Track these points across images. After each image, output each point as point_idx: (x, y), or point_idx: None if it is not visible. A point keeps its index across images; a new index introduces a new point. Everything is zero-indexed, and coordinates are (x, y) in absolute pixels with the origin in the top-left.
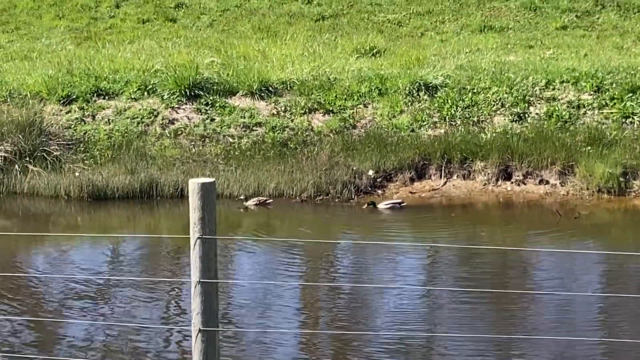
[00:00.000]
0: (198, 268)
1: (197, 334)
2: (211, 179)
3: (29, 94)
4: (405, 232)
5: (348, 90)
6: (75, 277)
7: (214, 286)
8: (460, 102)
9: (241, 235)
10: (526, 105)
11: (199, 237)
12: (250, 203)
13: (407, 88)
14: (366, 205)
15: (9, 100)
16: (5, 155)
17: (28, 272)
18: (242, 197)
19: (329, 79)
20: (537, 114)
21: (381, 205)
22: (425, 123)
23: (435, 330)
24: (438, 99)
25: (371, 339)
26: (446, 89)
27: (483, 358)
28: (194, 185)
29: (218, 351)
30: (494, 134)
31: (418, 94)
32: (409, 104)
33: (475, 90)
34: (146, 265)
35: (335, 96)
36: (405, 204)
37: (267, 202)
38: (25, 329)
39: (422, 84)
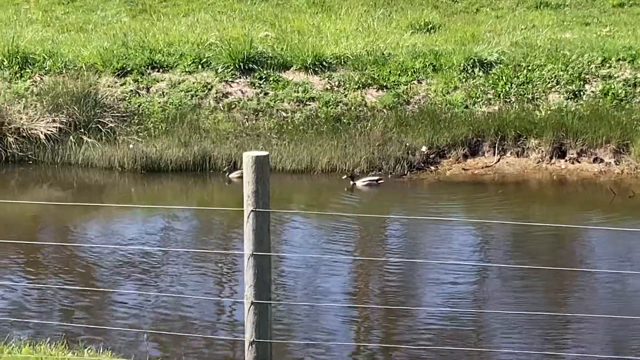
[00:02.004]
0: (251, 241)
1: (250, 307)
2: (265, 153)
3: (84, 66)
4: (458, 208)
5: (402, 66)
6: (127, 247)
7: (266, 259)
8: (515, 79)
9: (295, 208)
10: (581, 83)
11: (252, 210)
12: (360, 183)
13: (462, 64)
14: (345, 177)
15: (64, 71)
16: (61, 126)
17: (82, 242)
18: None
19: (383, 54)
20: (592, 91)
21: (359, 182)
22: (479, 100)
23: (485, 307)
24: (493, 75)
25: (420, 314)
26: (501, 65)
27: (533, 336)
28: (248, 158)
29: (270, 324)
30: (549, 112)
31: (472, 71)
32: (463, 80)
33: (530, 67)
34: (198, 237)
35: (389, 72)
36: (382, 181)
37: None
38: (78, 298)
39: (476, 60)
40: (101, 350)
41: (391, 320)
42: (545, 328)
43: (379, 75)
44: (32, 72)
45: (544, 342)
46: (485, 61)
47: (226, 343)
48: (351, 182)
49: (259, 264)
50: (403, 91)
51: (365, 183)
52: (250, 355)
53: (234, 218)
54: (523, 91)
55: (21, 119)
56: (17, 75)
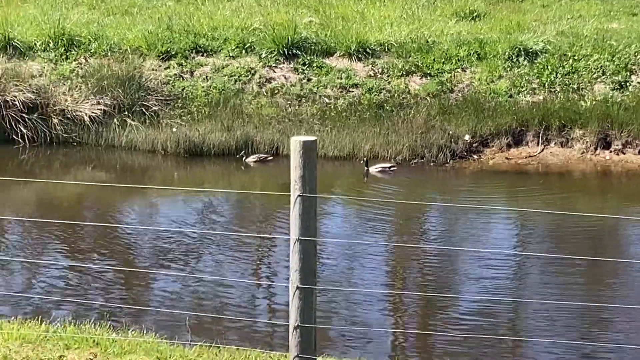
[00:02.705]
0: (297, 226)
1: (295, 291)
2: (313, 137)
3: (128, 49)
4: (499, 197)
5: (446, 54)
6: (169, 230)
7: (312, 244)
8: (561, 68)
9: (337, 194)
10: (628, 73)
11: (299, 195)
12: (374, 169)
13: (507, 53)
14: (361, 161)
15: (109, 54)
16: (105, 108)
17: (124, 223)
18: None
19: (427, 41)
20: (638, 82)
21: (372, 169)
22: (524, 89)
23: (522, 296)
24: (538, 65)
25: (457, 302)
26: (546, 55)
27: (571, 325)
28: (295, 143)
29: (315, 308)
30: (594, 102)
31: (517, 60)
32: (508, 69)
33: (576, 57)
34: (240, 221)
35: (434, 59)
36: (395, 168)
37: (392, 168)
38: (120, 278)
39: (522, 49)
40: (145, 332)
41: (428, 307)
42: (582, 318)
43: (422, 62)
44: (77, 54)
45: (582, 332)
46: (531, 50)
47: (267, 327)
48: (365, 168)
49: (305, 249)
50: (447, 79)
51: (378, 170)
52: (294, 340)
53: (277, 202)
54: (568, 81)
55: (66, 100)
56: (63, 57)
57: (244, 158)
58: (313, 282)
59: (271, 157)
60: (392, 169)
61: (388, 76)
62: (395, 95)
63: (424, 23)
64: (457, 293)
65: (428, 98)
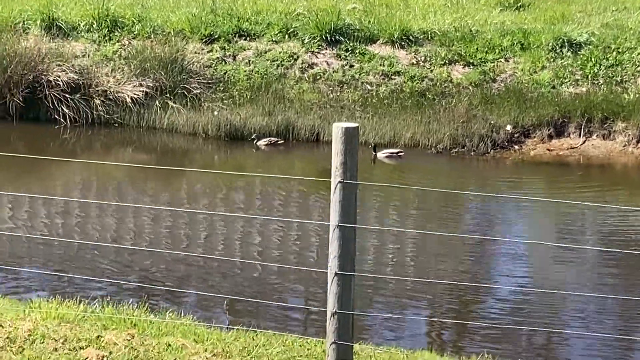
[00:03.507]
0: (337, 212)
1: (333, 278)
2: (355, 124)
3: (172, 32)
4: (539, 188)
5: (490, 43)
6: (207, 212)
7: (352, 230)
8: (604, 60)
9: (380, 181)
10: None
11: (340, 182)
12: (381, 154)
13: (550, 44)
14: (369, 146)
15: (152, 36)
16: (147, 90)
17: (163, 204)
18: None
19: (470, 30)
20: None
21: (380, 154)
22: (567, 80)
23: (560, 288)
24: (581, 56)
25: (494, 292)
26: (590, 46)
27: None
28: (337, 129)
29: (353, 295)
30: (637, 95)
31: (561, 51)
32: (551, 60)
33: (620, 50)
34: (278, 206)
35: (477, 49)
36: (403, 154)
37: (399, 154)
38: (155, 260)
39: (565, 40)
40: (182, 314)
41: (464, 296)
42: (620, 312)
43: (465, 51)
44: (120, 35)
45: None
46: (575, 41)
47: (303, 313)
48: (373, 154)
49: (345, 235)
50: (489, 69)
51: (385, 155)
52: (331, 326)
53: (317, 188)
54: (612, 73)
55: (108, 81)
56: (106, 38)
57: (255, 141)
58: (352, 268)
59: (282, 141)
60: (399, 154)
61: (431, 64)
62: (438, 83)
63: (468, 12)
64: (494, 283)
65: (470, 87)
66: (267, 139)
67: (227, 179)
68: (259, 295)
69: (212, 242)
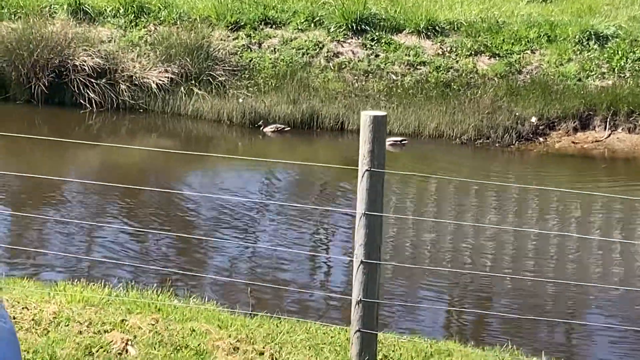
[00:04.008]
0: (364, 200)
1: (359, 266)
2: (383, 113)
3: (198, 18)
4: (563, 180)
5: (516, 35)
6: (230, 199)
7: (378, 219)
8: (631, 54)
9: (405, 170)
10: None
11: (367, 170)
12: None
13: (577, 36)
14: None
15: (178, 22)
16: (172, 76)
17: (184, 190)
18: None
19: (497, 22)
20: None
21: (267, 129)
22: (593, 73)
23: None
24: (608, 49)
25: (520, 283)
26: (617, 39)
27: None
28: (365, 117)
29: (378, 284)
30: None
31: (588, 43)
32: (578, 52)
33: None
34: (302, 193)
35: (503, 40)
36: (407, 142)
37: (403, 142)
38: (178, 245)
39: (592, 33)
40: (206, 300)
41: (488, 287)
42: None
43: (492, 43)
44: (146, 21)
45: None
46: (602, 34)
47: (326, 300)
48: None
49: (371, 224)
50: (515, 60)
51: (390, 143)
52: (356, 314)
53: (341, 176)
54: (638, 67)
55: (134, 67)
56: (132, 23)
57: (261, 128)
58: (377, 257)
59: (288, 128)
60: (403, 142)
61: (456, 55)
62: (463, 74)
63: (495, 3)
64: (519, 274)
65: (496, 79)
66: (274, 125)
67: (250, 165)
68: (281, 281)
69: (233, 228)
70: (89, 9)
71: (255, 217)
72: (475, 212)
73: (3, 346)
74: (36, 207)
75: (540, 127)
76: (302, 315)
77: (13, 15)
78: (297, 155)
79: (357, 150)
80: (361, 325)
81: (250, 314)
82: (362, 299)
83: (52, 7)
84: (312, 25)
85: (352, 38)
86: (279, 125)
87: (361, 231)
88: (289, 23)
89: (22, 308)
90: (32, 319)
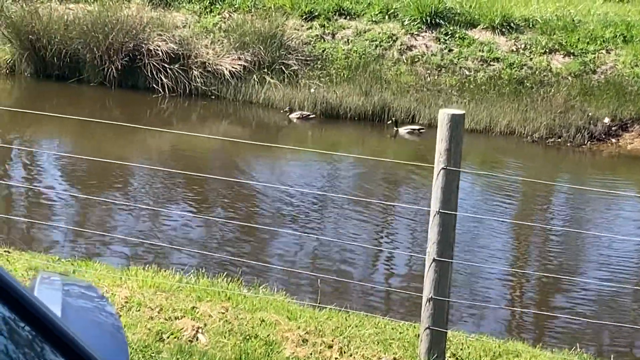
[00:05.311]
0: (439, 198)
1: (431, 263)
2: (461, 111)
3: (272, 7)
4: (633, 183)
5: (591, 34)
6: (300, 191)
7: (452, 217)
8: None
9: (481, 169)
10: None
11: (443, 168)
12: (403, 130)
13: None
14: (388, 122)
15: (253, 10)
16: (245, 64)
17: (251, 179)
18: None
19: (573, 20)
20: None
21: (402, 130)
22: None
23: None
24: None
25: (577, 285)
26: None
27: None
28: (443, 115)
29: (450, 282)
30: None
31: None
32: None
33: None
34: (370, 187)
35: (578, 39)
36: (424, 130)
37: (421, 130)
38: (238, 234)
39: None
40: (275, 290)
41: (555, 288)
42: None
43: (566, 41)
44: (221, 8)
45: None
46: None
47: (394, 295)
48: (394, 129)
49: (445, 222)
50: (590, 60)
51: (407, 131)
52: (427, 312)
53: (409, 172)
54: None
55: (207, 53)
56: (207, 10)
57: (287, 114)
58: (450, 255)
59: (313, 115)
60: (420, 130)
61: (530, 52)
62: (537, 72)
63: (571, 1)
64: (587, 277)
65: (569, 77)
66: (299, 112)
67: (320, 157)
68: (346, 274)
69: (302, 220)
70: None
71: (322, 209)
72: (543, 212)
73: (111, 342)
74: (103, 190)
75: (613, 128)
76: (367, 309)
77: None
78: (368, 147)
79: (428, 144)
80: (431, 323)
81: (318, 305)
82: (433, 297)
83: None
84: (387, 17)
85: (426, 32)
86: (304, 113)
87: (434, 229)
88: (363, 14)
89: None
90: None
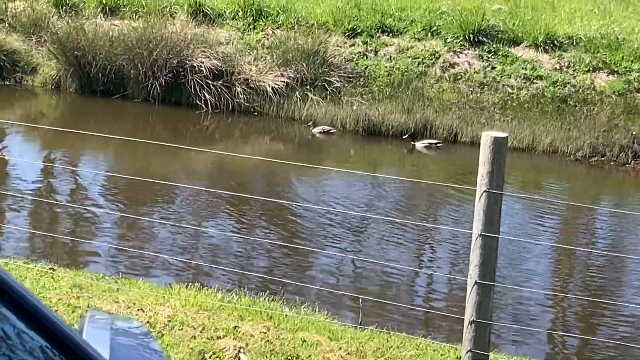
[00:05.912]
0: (481, 221)
1: (473, 286)
2: (504, 134)
3: (315, 24)
4: None
5: (636, 53)
6: (340, 211)
7: (494, 240)
8: None
9: (523, 189)
10: None
11: (485, 191)
12: (420, 144)
13: None
14: (404, 136)
15: (296, 27)
16: (288, 81)
17: (292, 198)
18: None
19: (617, 38)
20: None
21: (419, 144)
22: None
23: None
24: None
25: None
26: None
27: None
28: (486, 138)
29: (492, 305)
30: None
31: None
32: None
33: None
34: (412, 208)
35: (622, 57)
36: (441, 145)
37: (438, 144)
38: (279, 254)
39: None
40: (316, 310)
41: (593, 312)
42: None
43: (610, 59)
44: (264, 24)
45: None
46: None
47: (434, 317)
48: (412, 143)
49: (487, 245)
50: (634, 78)
51: (424, 145)
52: (468, 335)
53: (453, 193)
54: None
55: (250, 70)
56: (250, 26)
57: (310, 128)
58: (492, 278)
59: (334, 130)
60: (438, 145)
61: (574, 70)
62: (580, 90)
63: (615, 19)
64: (629, 301)
65: (613, 96)
66: (321, 127)
67: (361, 178)
68: (386, 295)
69: (341, 240)
70: (208, 10)
71: (363, 229)
72: (585, 235)
73: None
74: (147, 208)
75: None
76: (408, 331)
77: (134, 14)
78: (409, 166)
79: (470, 163)
80: (472, 346)
81: (359, 326)
82: (475, 320)
83: (172, 7)
84: (429, 34)
85: (468, 49)
86: (325, 127)
87: (477, 252)
88: (405, 32)
89: (138, 310)
90: (148, 322)
